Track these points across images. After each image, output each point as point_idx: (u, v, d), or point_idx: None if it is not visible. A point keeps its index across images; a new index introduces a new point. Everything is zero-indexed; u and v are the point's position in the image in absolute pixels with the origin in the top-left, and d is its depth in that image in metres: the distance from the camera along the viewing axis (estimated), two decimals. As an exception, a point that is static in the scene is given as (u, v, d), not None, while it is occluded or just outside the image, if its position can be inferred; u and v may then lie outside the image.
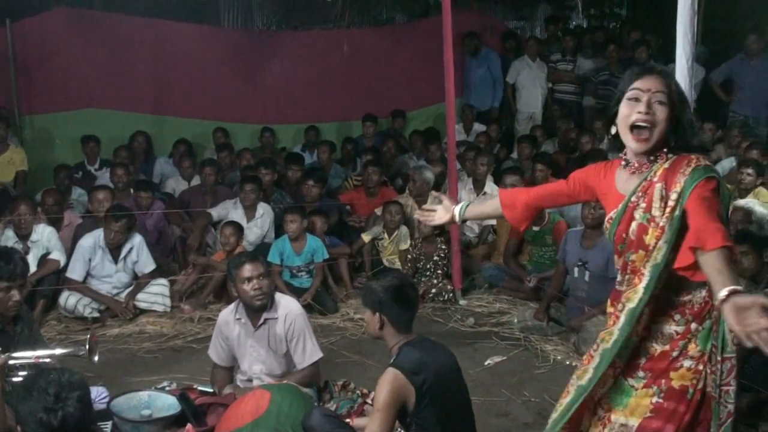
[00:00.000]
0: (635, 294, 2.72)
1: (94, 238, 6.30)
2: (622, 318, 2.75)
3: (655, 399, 2.75)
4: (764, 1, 10.01)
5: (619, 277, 2.85)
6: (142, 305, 6.35)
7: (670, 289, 2.72)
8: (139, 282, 6.40)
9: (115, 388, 4.55)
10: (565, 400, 2.89)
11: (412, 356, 3.23)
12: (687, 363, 2.71)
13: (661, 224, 2.68)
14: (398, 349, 3.31)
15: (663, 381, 2.74)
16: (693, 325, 2.71)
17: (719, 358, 2.64)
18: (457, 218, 3.22)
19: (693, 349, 2.70)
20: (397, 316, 3.35)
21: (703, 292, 2.67)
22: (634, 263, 2.77)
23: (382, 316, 3.34)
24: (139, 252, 6.41)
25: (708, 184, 2.58)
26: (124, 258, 6.35)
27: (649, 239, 2.72)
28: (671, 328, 2.74)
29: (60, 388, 2.66)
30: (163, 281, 6.48)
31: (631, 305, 2.72)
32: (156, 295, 6.38)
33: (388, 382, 3.15)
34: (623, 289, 2.79)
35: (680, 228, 2.64)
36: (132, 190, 7.31)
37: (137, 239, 6.42)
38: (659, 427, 2.73)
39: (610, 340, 2.77)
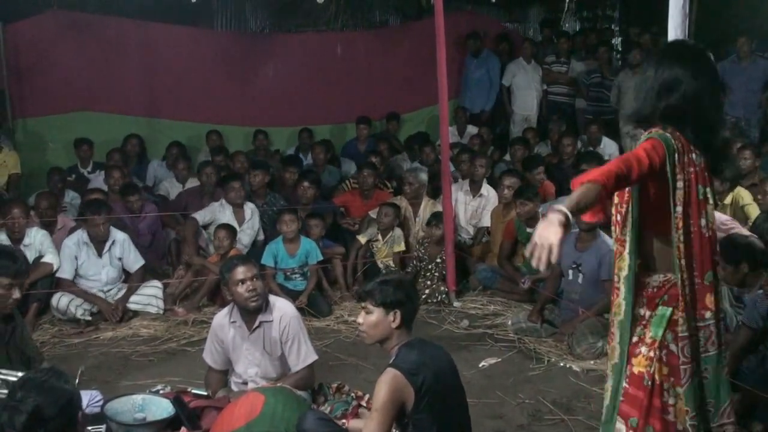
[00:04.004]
0: (623, 261, 2.87)
1: (77, 235, 6.38)
2: (622, 287, 2.87)
3: (623, 383, 2.86)
4: (754, 4, 10.08)
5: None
6: (136, 307, 6.35)
7: (642, 266, 2.84)
8: (131, 285, 6.40)
9: (109, 392, 4.54)
10: (608, 384, 2.95)
11: (411, 357, 3.20)
12: (643, 349, 2.79)
13: (627, 188, 2.81)
14: (397, 350, 3.28)
15: (628, 366, 2.84)
16: (647, 312, 2.80)
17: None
18: (571, 219, 2.54)
19: (647, 335, 2.79)
20: (409, 315, 3.34)
21: (661, 277, 2.78)
22: (617, 234, 2.89)
23: (398, 314, 3.29)
24: (123, 248, 6.44)
25: (644, 143, 2.71)
26: (109, 251, 6.38)
27: (619, 202, 2.86)
28: (638, 309, 2.85)
29: (21, 389, 2.61)
30: (157, 283, 6.48)
31: (624, 273, 2.86)
32: (149, 296, 6.38)
33: (388, 383, 3.13)
34: (617, 263, 2.92)
35: (641, 191, 2.79)
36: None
37: (120, 235, 6.46)
38: (627, 412, 2.83)
39: (621, 312, 2.87)
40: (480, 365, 5.29)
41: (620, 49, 11.65)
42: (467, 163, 7.97)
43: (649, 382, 2.76)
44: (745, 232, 5.50)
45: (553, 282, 5.96)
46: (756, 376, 4.12)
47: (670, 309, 2.76)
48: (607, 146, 8.60)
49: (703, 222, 2.75)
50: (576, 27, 12.42)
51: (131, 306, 6.33)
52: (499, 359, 5.41)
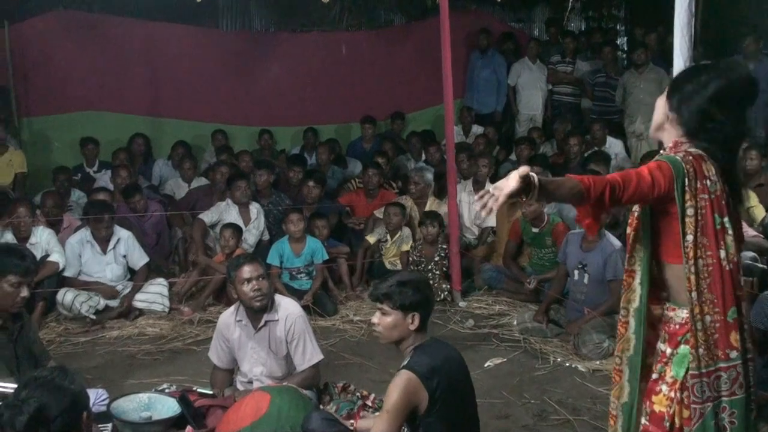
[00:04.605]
0: (633, 293, 2.74)
1: (81, 234, 6.44)
2: (632, 321, 2.74)
3: (643, 420, 2.73)
4: (762, 4, 10.04)
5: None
6: (141, 305, 6.36)
7: (658, 296, 2.71)
8: (136, 284, 6.42)
9: (115, 390, 4.55)
10: (618, 425, 2.82)
11: (426, 359, 3.16)
12: (664, 388, 2.66)
13: (636, 214, 2.70)
14: (412, 351, 3.24)
15: (648, 402, 2.71)
16: (669, 348, 2.66)
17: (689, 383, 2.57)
18: (536, 190, 2.44)
19: (668, 374, 2.65)
20: (427, 316, 3.31)
21: (684, 314, 2.61)
22: (626, 264, 2.78)
23: (417, 316, 3.25)
24: (127, 245, 6.48)
25: (651, 162, 2.59)
26: (113, 249, 6.42)
27: (630, 231, 2.74)
28: (659, 344, 2.71)
29: (25, 388, 2.59)
30: (162, 281, 6.50)
31: (634, 305, 2.73)
32: (154, 294, 6.39)
33: (401, 385, 3.09)
34: (625, 295, 2.79)
35: (653, 217, 2.65)
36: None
37: (124, 233, 6.50)
38: None
39: (630, 347, 2.75)
40: (485, 365, 5.29)
41: (626, 48, 11.61)
42: (465, 162, 7.96)
43: (668, 423, 2.62)
44: (751, 232, 5.50)
45: (559, 282, 5.95)
46: (763, 378, 4.10)
47: (688, 348, 2.60)
48: (613, 145, 8.58)
49: (722, 254, 2.55)
50: (581, 27, 12.39)
51: (137, 304, 6.35)
52: (505, 359, 5.41)
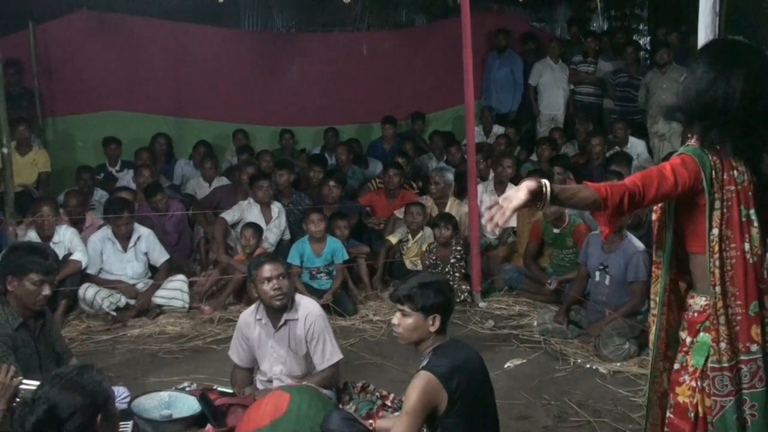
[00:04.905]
0: (658, 283, 2.73)
1: (102, 232, 6.51)
2: (656, 310, 2.74)
3: (668, 413, 2.72)
4: (787, 3, 9.92)
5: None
6: (161, 301, 6.41)
7: (685, 285, 2.70)
8: (155, 282, 6.46)
9: (136, 388, 4.59)
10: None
11: (445, 360, 3.16)
12: (686, 378, 2.65)
13: (660, 204, 2.68)
14: (431, 352, 3.24)
15: (672, 394, 2.70)
16: (689, 337, 2.65)
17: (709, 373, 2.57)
18: (548, 198, 2.47)
19: (689, 363, 2.63)
20: (447, 318, 3.31)
21: (702, 301, 2.61)
22: (654, 256, 2.77)
23: (438, 318, 3.24)
24: (148, 243, 6.55)
25: (674, 158, 2.57)
26: (134, 246, 6.48)
27: (654, 220, 2.73)
28: (681, 332, 2.71)
29: (44, 386, 2.55)
30: (182, 277, 6.55)
31: (658, 296, 2.71)
32: (174, 290, 6.44)
33: (421, 386, 3.09)
34: (653, 287, 2.78)
35: (677, 206, 2.62)
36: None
37: (144, 230, 6.57)
38: None
39: (652, 333, 2.75)
40: (505, 366, 5.27)
41: (648, 48, 11.53)
42: (482, 163, 7.94)
43: (692, 413, 2.61)
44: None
45: (580, 283, 5.91)
46: None
47: (710, 336, 2.60)
48: (635, 146, 8.51)
49: (746, 246, 2.53)
50: (604, 26, 12.32)
51: (157, 300, 6.39)
52: (525, 360, 5.38)
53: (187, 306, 6.43)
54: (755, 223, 2.54)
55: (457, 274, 6.69)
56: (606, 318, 5.51)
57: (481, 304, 6.53)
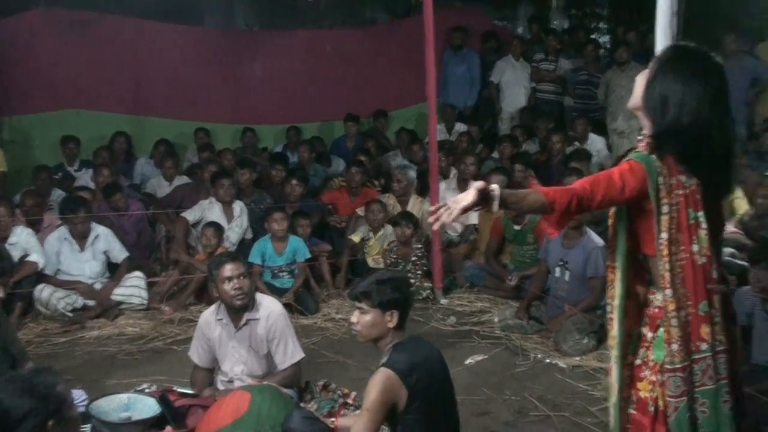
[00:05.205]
0: (614, 290, 2.76)
1: (59, 232, 6.45)
2: (615, 317, 2.77)
3: (630, 410, 2.75)
4: (742, 3, 10.11)
5: None
6: (120, 298, 6.37)
7: (639, 283, 2.74)
8: (114, 278, 6.41)
9: (94, 391, 4.53)
10: (611, 422, 2.84)
11: (405, 357, 3.17)
12: (647, 373, 2.68)
13: (614, 209, 2.73)
14: (391, 349, 3.25)
15: (634, 390, 2.73)
16: (650, 333, 2.69)
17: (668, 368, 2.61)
18: (496, 200, 2.55)
19: (650, 357, 2.67)
20: (405, 314, 3.32)
21: (660, 297, 2.64)
22: (608, 260, 2.80)
23: (396, 314, 3.25)
24: (107, 241, 6.50)
25: (622, 164, 2.62)
26: (92, 245, 6.42)
27: (610, 225, 2.77)
28: (642, 329, 2.74)
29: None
30: (139, 274, 6.52)
31: (616, 301, 2.75)
32: (132, 287, 6.39)
33: (381, 383, 3.10)
34: (609, 290, 2.81)
35: (631, 210, 2.67)
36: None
37: (102, 229, 6.51)
38: None
39: (614, 344, 2.77)
40: (466, 362, 5.30)
41: (608, 47, 11.66)
42: (444, 161, 7.98)
43: (653, 407, 2.64)
44: (730, 228, 5.54)
45: (540, 279, 5.97)
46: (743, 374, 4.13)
47: (663, 330, 2.64)
48: (595, 142, 8.61)
49: (695, 248, 2.57)
50: (564, 25, 12.43)
51: (115, 298, 6.33)
52: (486, 356, 5.42)
53: (145, 303, 6.39)
54: (703, 225, 2.58)
55: (418, 272, 6.71)
56: (566, 313, 5.57)
57: (443, 301, 6.56)
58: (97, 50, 9.23)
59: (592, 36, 11.59)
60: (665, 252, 2.57)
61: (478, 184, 2.53)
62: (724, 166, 2.63)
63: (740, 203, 6.26)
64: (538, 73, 10.05)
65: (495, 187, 2.54)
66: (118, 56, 9.34)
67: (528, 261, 6.48)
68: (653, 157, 2.56)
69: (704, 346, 2.60)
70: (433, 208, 2.58)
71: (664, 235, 2.56)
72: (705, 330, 2.59)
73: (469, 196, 2.51)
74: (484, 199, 2.53)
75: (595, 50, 9.92)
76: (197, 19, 10.57)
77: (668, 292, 2.58)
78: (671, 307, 2.58)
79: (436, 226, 2.57)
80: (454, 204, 2.53)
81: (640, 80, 2.72)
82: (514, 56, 10.09)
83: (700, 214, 2.58)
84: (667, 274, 2.57)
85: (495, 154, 8.99)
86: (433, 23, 6.41)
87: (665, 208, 2.56)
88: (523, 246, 6.54)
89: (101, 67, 9.25)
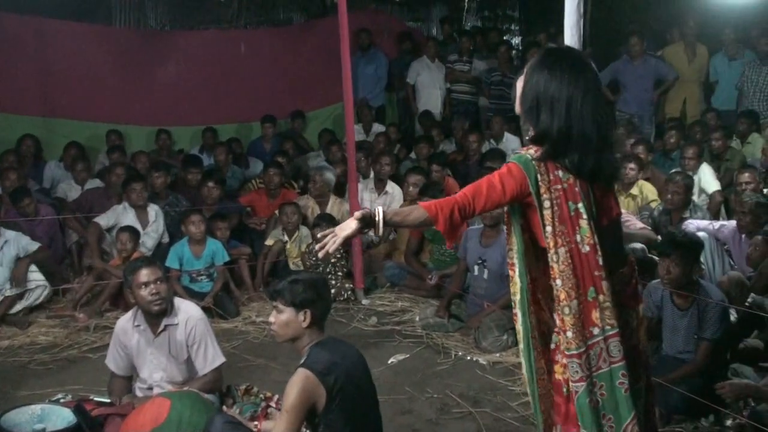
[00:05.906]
0: (515, 285, 2.87)
1: None
2: (519, 313, 2.87)
3: (555, 395, 2.84)
4: (645, 5, 10.51)
5: None
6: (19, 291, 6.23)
7: (544, 275, 2.83)
8: (16, 274, 6.26)
9: (6, 403, 4.39)
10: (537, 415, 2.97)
11: (323, 357, 3.19)
12: (558, 357, 2.78)
13: (506, 209, 2.87)
14: (309, 349, 3.26)
15: (551, 374, 2.84)
16: (558, 320, 2.78)
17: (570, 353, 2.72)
18: (380, 225, 2.73)
19: (562, 342, 2.75)
20: (320, 314, 3.33)
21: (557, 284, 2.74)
22: (507, 258, 2.92)
23: (309, 313, 3.27)
24: (17, 243, 6.30)
25: (501, 168, 2.75)
26: (1, 249, 6.20)
27: (506, 224, 2.90)
28: (554, 315, 2.82)
29: None
30: (34, 268, 6.36)
31: (518, 297, 2.86)
32: (31, 281, 6.30)
33: (299, 384, 3.11)
34: (511, 287, 2.91)
35: (523, 209, 2.79)
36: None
37: (11, 233, 6.31)
38: (555, 420, 2.84)
39: (520, 337, 2.88)
40: (389, 362, 5.34)
41: (520, 48, 11.93)
42: (364, 161, 8.02)
43: (565, 389, 2.75)
44: (639, 224, 5.74)
45: (459, 277, 6.06)
46: (653, 365, 4.29)
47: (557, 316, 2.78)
48: (510, 141, 8.79)
49: (578, 238, 2.68)
50: (477, 25, 12.64)
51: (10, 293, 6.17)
52: (408, 355, 5.47)
53: (47, 285, 6.35)
54: (584, 215, 2.69)
55: (339, 273, 6.71)
56: (485, 310, 5.67)
57: (364, 302, 6.59)
58: (2, 49, 8.87)
59: (505, 37, 11.83)
60: (551, 244, 2.70)
61: (358, 213, 2.74)
62: (601, 156, 2.74)
63: (655, 205, 6.49)
64: (453, 74, 10.20)
65: (379, 210, 2.73)
66: (23, 56, 9.01)
67: (447, 260, 6.56)
68: (529, 156, 2.70)
69: (596, 330, 2.72)
70: (319, 235, 2.76)
71: (549, 229, 2.69)
72: (595, 315, 2.72)
73: (351, 224, 2.73)
74: (367, 224, 2.73)
75: (508, 51, 10.14)
76: (106, 17, 10.30)
77: (558, 282, 2.70)
78: (562, 296, 2.70)
79: (321, 254, 2.75)
80: (340, 231, 2.75)
81: (519, 85, 2.84)
82: (429, 57, 10.21)
83: (580, 205, 2.70)
84: (555, 266, 2.70)
85: (413, 155, 9.07)
86: (348, 24, 6.44)
87: (546, 203, 2.69)
88: (442, 245, 6.62)
89: (7, 66, 8.89)
